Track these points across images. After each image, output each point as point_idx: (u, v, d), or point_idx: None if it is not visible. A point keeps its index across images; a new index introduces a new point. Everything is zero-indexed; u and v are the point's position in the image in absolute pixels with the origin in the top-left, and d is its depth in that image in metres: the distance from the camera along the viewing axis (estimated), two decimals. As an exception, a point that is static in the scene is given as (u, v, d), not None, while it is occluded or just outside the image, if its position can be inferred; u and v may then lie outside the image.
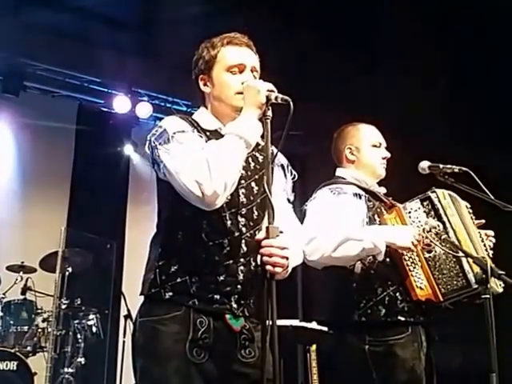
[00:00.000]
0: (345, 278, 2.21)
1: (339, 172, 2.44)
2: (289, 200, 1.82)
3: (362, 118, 2.49)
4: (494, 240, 2.26)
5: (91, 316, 4.20)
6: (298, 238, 1.75)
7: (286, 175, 1.81)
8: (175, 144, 1.55)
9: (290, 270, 1.64)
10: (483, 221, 2.28)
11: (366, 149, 2.38)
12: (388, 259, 2.17)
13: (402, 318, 2.13)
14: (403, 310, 2.14)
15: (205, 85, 1.71)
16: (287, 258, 1.49)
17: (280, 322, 3.07)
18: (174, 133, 1.57)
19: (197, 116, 1.73)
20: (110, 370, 4.60)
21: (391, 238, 2.13)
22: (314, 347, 4.16)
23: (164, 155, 1.54)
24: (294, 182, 1.84)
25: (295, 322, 2.97)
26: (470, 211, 2.29)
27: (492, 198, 2.03)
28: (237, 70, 1.67)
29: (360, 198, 2.26)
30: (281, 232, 1.50)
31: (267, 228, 1.48)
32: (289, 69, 4.41)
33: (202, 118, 1.71)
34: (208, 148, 1.53)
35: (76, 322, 4.14)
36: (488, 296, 1.74)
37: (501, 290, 2.13)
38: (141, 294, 1.62)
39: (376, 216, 2.25)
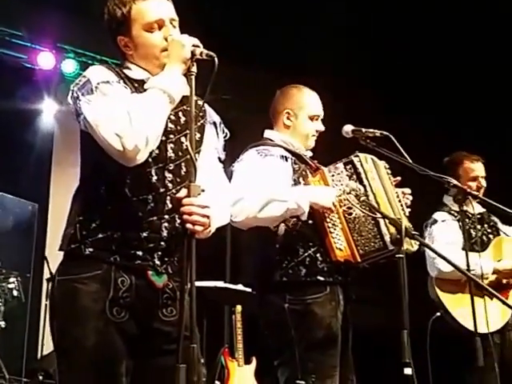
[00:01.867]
0: (268, 239, 2.22)
1: (267, 134, 2.42)
2: (220, 159, 1.78)
3: (294, 81, 2.46)
4: (410, 197, 2.31)
5: (12, 279, 4.05)
6: (225, 198, 1.73)
7: (217, 133, 1.77)
8: (98, 95, 1.48)
9: (213, 229, 1.62)
10: (399, 178, 2.32)
11: (304, 119, 2.37)
12: (310, 221, 2.20)
13: (322, 278, 2.17)
14: (323, 270, 2.18)
15: (125, 46, 1.63)
16: (208, 217, 1.46)
17: (205, 283, 3.09)
18: (98, 83, 1.49)
19: (124, 67, 1.64)
20: (31, 334, 4.47)
21: (314, 198, 2.15)
22: (239, 308, 4.21)
23: (85, 106, 1.47)
24: (225, 141, 1.81)
25: (220, 284, 2.97)
26: (389, 171, 2.33)
27: (410, 161, 2.07)
28: (156, 26, 1.59)
29: (286, 160, 2.26)
30: (203, 190, 1.47)
31: (188, 186, 1.44)
32: (220, 33, 4.31)
33: (130, 69, 1.63)
34: (130, 101, 1.47)
35: (-4, 285, 3.97)
36: (402, 255, 1.78)
37: (415, 248, 2.20)
38: (60, 250, 1.55)
39: (301, 179, 2.26)
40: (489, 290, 1.80)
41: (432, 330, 2.82)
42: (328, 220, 2.19)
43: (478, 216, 3.06)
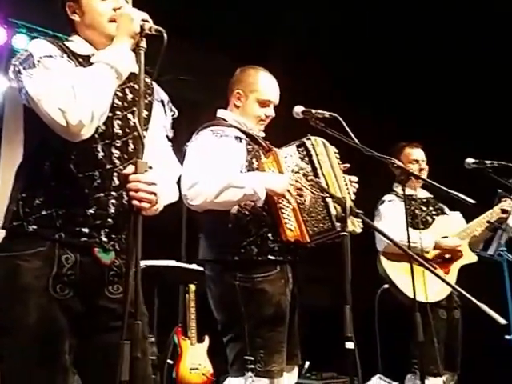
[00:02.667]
0: (220, 218, 2.22)
1: (220, 113, 2.41)
2: (168, 137, 1.77)
3: (254, 64, 2.45)
4: (356, 186, 2.37)
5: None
6: (172, 176, 1.71)
7: (165, 111, 1.75)
8: (40, 69, 1.43)
9: (160, 207, 1.61)
10: (348, 165, 2.37)
11: (253, 102, 2.37)
12: (263, 203, 2.21)
13: (272, 257, 2.20)
14: (273, 250, 2.21)
15: (73, 13, 1.59)
16: (155, 194, 1.45)
17: (157, 262, 3.08)
18: (41, 57, 1.45)
19: (68, 41, 1.60)
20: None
21: (270, 186, 2.17)
22: (192, 288, 4.21)
23: (27, 81, 1.42)
24: (174, 120, 1.79)
25: (172, 262, 2.96)
26: (338, 156, 2.37)
27: (357, 142, 2.11)
28: None
29: (241, 141, 2.26)
30: (150, 168, 1.45)
31: (136, 163, 1.42)
32: (179, 14, 4.24)
33: (74, 43, 1.59)
34: (75, 75, 1.43)
35: None
36: (346, 233, 1.82)
37: (359, 230, 2.26)
38: (2, 228, 1.50)
39: (254, 160, 2.27)
40: (425, 265, 1.85)
41: (380, 302, 2.94)
42: (280, 201, 2.21)
43: (424, 200, 3.25)
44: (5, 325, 1.45)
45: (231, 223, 2.20)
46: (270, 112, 2.40)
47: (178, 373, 4.07)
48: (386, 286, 3.03)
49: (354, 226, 2.21)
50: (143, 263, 2.88)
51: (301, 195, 2.22)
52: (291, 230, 2.21)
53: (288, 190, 2.18)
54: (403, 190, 2.21)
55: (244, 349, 2.13)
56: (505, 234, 2.37)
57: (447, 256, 3.05)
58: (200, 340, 4.20)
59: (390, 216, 3.07)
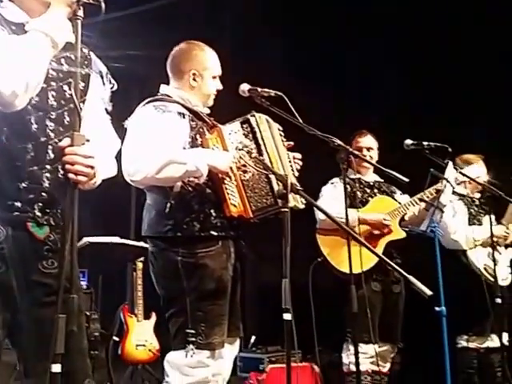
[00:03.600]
0: (164, 195, 2.21)
1: (164, 89, 2.38)
2: (107, 110, 1.73)
3: (198, 40, 2.43)
4: (300, 162, 2.40)
5: None
6: (111, 149, 1.69)
7: (104, 83, 1.71)
8: None
9: (98, 181, 1.58)
10: (292, 143, 2.40)
11: (208, 79, 2.37)
12: (206, 179, 2.21)
13: (215, 233, 2.21)
14: (216, 226, 2.22)
15: None
16: (92, 168, 1.42)
17: (101, 239, 3.04)
18: None
19: (0, 8, 1.52)
20: None
21: (213, 162, 2.17)
22: (140, 265, 4.18)
23: None
24: (112, 93, 1.75)
25: (116, 239, 2.92)
26: (282, 134, 2.39)
27: (300, 121, 2.13)
28: None
29: (184, 117, 2.25)
30: (87, 140, 1.42)
31: (72, 135, 1.39)
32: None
33: (7, 9, 1.51)
34: (7, 43, 1.37)
35: None
36: (286, 209, 1.85)
37: (302, 206, 2.30)
38: None
39: (198, 136, 2.26)
40: (354, 235, 1.93)
41: (316, 276, 3.04)
42: (224, 178, 2.22)
43: (371, 183, 3.40)
44: None
45: (174, 199, 2.19)
46: (220, 85, 2.41)
47: (123, 349, 4.06)
48: (320, 259, 3.17)
49: (297, 201, 2.25)
50: (86, 240, 2.83)
51: (245, 171, 2.24)
52: (235, 205, 2.23)
53: (231, 168, 2.19)
54: (344, 168, 2.25)
55: (186, 322, 2.15)
56: (437, 211, 2.48)
57: (376, 232, 3.19)
58: (147, 317, 4.20)
59: (328, 196, 3.26)
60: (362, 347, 2.98)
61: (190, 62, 2.36)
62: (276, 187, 2.20)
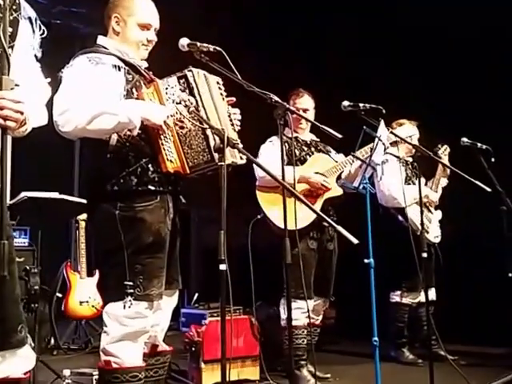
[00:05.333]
0: (99, 148, 2.19)
1: (101, 41, 2.33)
2: (36, 57, 1.68)
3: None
4: (239, 117, 2.40)
5: None
6: (41, 96, 1.66)
7: (33, 29, 1.65)
8: None
9: (29, 128, 1.56)
10: (234, 99, 2.39)
11: (133, 26, 2.30)
12: (143, 133, 2.20)
13: (152, 188, 2.22)
14: (153, 180, 2.22)
15: None
16: (22, 113, 1.40)
17: (40, 194, 2.98)
18: None
19: None
20: None
21: (147, 115, 2.15)
22: (82, 224, 4.15)
23: None
24: (42, 39, 1.70)
25: (55, 194, 2.88)
26: (222, 87, 2.38)
27: (239, 77, 2.13)
28: None
29: (119, 69, 2.21)
30: (17, 85, 1.40)
31: (0, 79, 1.36)
32: None
33: None
34: None
35: None
36: (222, 163, 1.87)
37: (242, 161, 2.31)
38: None
39: (134, 89, 2.23)
40: (294, 192, 1.97)
41: (256, 233, 3.13)
42: (160, 133, 2.21)
43: (308, 142, 3.48)
44: None
45: (110, 153, 2.18)
46: (152, 36, 2.35)
47: (66, 305, 4.08)
48: (259, 216, 3.25)
49: (235, 157, 2.27)
50: (24, 194, 2.77)
51: (182, 127, 2.23)
52: (171, 161, 2.23)
53: (165, 122, 2.18)
54: (280, 125, 2.28)
55: (124, 275, 2.17)
56: (369, 169, 2.57)
57: (314, 190, 3.29)
58: (90, 274, 4.20)
59: (266, 153, 3.32)
60: (298, 302, 3.10)
61: (115, 7, 2.32)
62: (212, 143, 2.20)
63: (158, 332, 2.38)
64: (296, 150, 3.35)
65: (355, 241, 1.66)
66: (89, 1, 4.61)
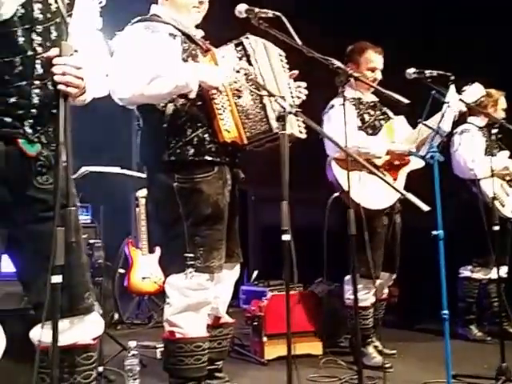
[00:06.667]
0: (156, 119, 2.21)
1: (155, 9, 2.34)
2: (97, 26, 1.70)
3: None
4: (305, 91, 2.33)
5: None
6: (102, 65, 1.68)
7: None
8: None
9: (89, 97, 1.58)
10: (296, 72, 2.33)
11: None
12: (199, 102, 2.20)
13: (209, 158, 2.22)
14: (210, 151, 2.22)
15: None
16: (82, 79, 1.41)
17: (99, 169, 3.05)
18: None
19: None
20: None
21: (203, 77, 2.13)
22: (142, 201, 4.23)
23: None
24: (101, 8, 1.71)
25: (116, 169, 2.94)
26: (283, 59, 2.34)
27: (299, 43, 2.07)
28: None
29: (175, 38, 2.20)
30: (76, 51, 1.41)
31: (60, 44, 1.38)
32: None
33: None
34: None
35: None
36: (284, 132, 1.83)
37: (303, 136, 2.28)
38: None
39: (190, 58, 2.23)
40: (372, 169, 1.90)
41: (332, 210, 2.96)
42: (217, 101, 2.20)
43: (371, 103, 3.23)
44: None
45: (166, 123, 2.19)
46: None
47: (129, 281, 4.19)
48: (337, 194, 3.01)
49: (294, 129, 2.22)
50: (85, 169, 2.85)
51: (239, 96, 2.21)
52: (228, 131, 2.21)
53: (224, 86, 2.15)
54: (342, 92, 2.21)
55: (184, 247, 2.19)
56: (437, 137, 2.46)
57: (396, 162, 3.10)
58: (151, 251, 4.30)
59: (339, 120, 2.81)
60: (365, 281, 3.00)
61: None
62: (271, 113, 2.17)
63: (220, 304, 2.40)
64: (365, 115, 3.13)
65: (426, 208, 1.59)
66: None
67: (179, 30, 2.25)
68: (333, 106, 3.07)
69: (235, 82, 2.19)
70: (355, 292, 2.12)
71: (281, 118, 1.88)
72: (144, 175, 2.42)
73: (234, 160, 2.32)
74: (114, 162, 3.28)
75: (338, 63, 2.09)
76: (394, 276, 3.33)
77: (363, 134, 3.03)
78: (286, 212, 1.84)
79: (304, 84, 2.34)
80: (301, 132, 2.27)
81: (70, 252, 1.37)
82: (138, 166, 2.45)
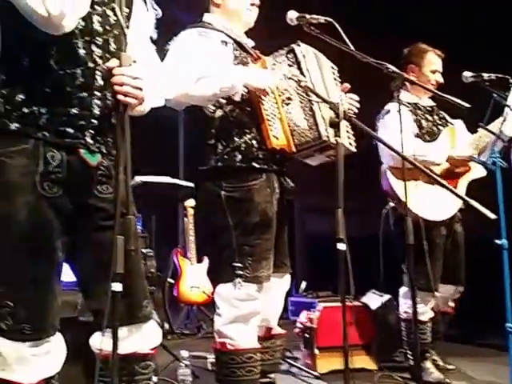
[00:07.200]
0: (204, 124, 2.23)
1: (207, 18, 2.38)
2: (152, 38, 1.74)
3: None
4: (357, 104, 2.28)
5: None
6: (158, 76, 1.71)
7: (147, 9, 1.72)
8: None
9: (147, 107, 1.62)
10: (348, 86, 2.29)
11: None
12: (248, 107, 2.21)
13: (257, 165, 2.23)
14: (258, 157, 2.23)
15: None
16: (141, 89, 1.45)
17: (151, 178, 3.11)
18: None
19: None
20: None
21: (249, 79, 2.15)
22: (191, 211, 4.28)
23: None
24: (157, 20, 1.76)
25: (167, 179, 3.00)
26: (336, 73, 2.34)
27: (352, 48, 2.06)
28: None
29: (227, 45, 2.24)
30: (134, 62, 1.45)
31: (119, 56, 1.42)
32: None
33: None
34: None
35: None
36: (339, 139, 1.81)
37: (353, 148, 2.25)
38: None
39: (241, 65, 2.25)
40: (434, 177, 1.85)
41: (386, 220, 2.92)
42: (266, 107, 2.20)
43: (429, 108, 3.15)
44: None
45: (214, 128, 2.21)
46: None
47: (178, 291, 4.25)
48: (392, 204, 2.97)
49: (347, 142, 2.18)
50: (138, 179, 2.92)
51: (288, 104, 2.21)
52: (277, 137, 2.21)
53: (272, 91, 2.16)
54: (397, 96, 2.18)
55: (232, 256, 2.20)
56: (499, 142, 2.38)
57: (457, 170, 3.00)
58: (199, 260, 4.34)
59: (396, 126, 2.68)
60: (423, 294, 2.88)
61: None
62: (320, 120, 2.16)
63: (271, 315, 2.40)
64: (422, 121, 3.06)
65: (492, 216, 1.55)
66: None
67: (231, 37, 2.28)
68: (388, 111, 2.99)
69: (285, 90, 2.20)
70: (414, 305, 2.07)
71: (334, 125, 1.87)
72: (192, 184, 2.45)
73: (281, 168, 2.32)
74: (161, 170, 3.33)
75: (392, 67, 2.07)
76: (461, 289, 3.17)
77: (419, 141, 2.97)
78: (341, 220, 1.81)
79: (356, 97, 2.30)
80: (351, 144, 2.25)
81: (129, 260, 1.38)
82: (186, 174, 2.50)
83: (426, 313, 3.00)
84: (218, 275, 2.29)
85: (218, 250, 2.29)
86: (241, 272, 2.19)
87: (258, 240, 2.21)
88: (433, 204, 2.83)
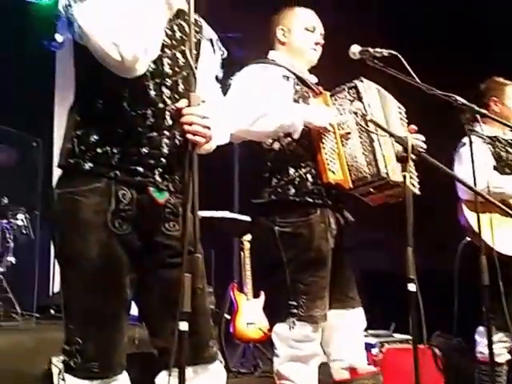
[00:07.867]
0: (260, 156, 2.27)
1: (271, 55, 2.45)
2: (217, 77, 1.80)
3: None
4: (423, 145, 2.21)
5: (20, 215, 4.15)
6: (224, 115, 1.76)
7: (214, 50, 1.78)
8: (91, 0, 1.43)
9: (213, 145, 1.66)
10: (415, 127, 2.24)
11: (298, 31, 2.38)
12: (306, 140, 2.22)
13: (310, 200, 2.21)
14: (312, 192, 2.22)
15: None
16: (209, 128, 1.49)
17: (210, 213, 3.16)
18: None
19: None
20: (42, 271, 4.60)
21: (310, 118, 2.18)
22: (247, 245, 4.29)
23: (78, 13, 1.43)
24: (223, 60, 1.82)
25: (226, 213, 3.03)
26: (402, 113, 2.33)
27: (418, 81, 2.05)
28: None
29: (288, 79, 2.27)
30: (203, 101, 1.50)
31: (188, 96, 1.47)
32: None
33: None
34: (127, 6, 1.44)
35: (4, 221, 4.08)
36: (406, 173, 1.79)
37: (416, 190, 2.22)
38: (58, 166, 1.58)
39: (301, 100, 2.28)
40: (506, 210, 1.80)
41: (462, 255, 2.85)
42: (324, 141, 2.21)
43: (510, 141, 3.10)
44: (68, 258, 1.53)
45: (270, 161, 2.24)
46: (319, 38, 2.39)
47: (234, 327, 4.23)
48: (468, 239, 2.90)
49: (412, 184, 2.14)
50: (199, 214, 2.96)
51: (347, 138, 2.20)
52: (333, 172, 2.21)
53: (332, 126, 2.16)
54: (469, 130, 2.14)
55: (286, 294, 2.18)
56: None
57: None
58: (256, 295, 4.32)
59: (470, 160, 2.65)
60: (499, 335, 2.79)
61: (279, 21, 2.42)
62: (379, 156, 2.14)
63: (352, 354, 2.30)
64: (502, 153, 3.00)
65: None
66: (243, 26, 4.87)
67: (292, 72, 2.32)
68: (464, 144, 2.92)
69: (345, 124, 2.20)
70: (490, 346, 1.98)
71: (402, 159, 1.85)
72: (248, 218, 2.46)
73: (337, 204, 2.29)
74: (216, 204, 3.37)
75: (462, 99, 2.04)
76: None
77: (496, 173, 2.90)
78: (411, 259, 1.78)
79: (422, 137, 2.26)
80: (413, 185, 2.21)
81: (195, 298, 1.40)
82: (241, 208, 2.53)
83: (501, 354, 2.87)
84: (273, 313, 2.29)
85: (273, 287, 2.30)
86: (295, 311, 2.16)
87: (312, 277, 2.18)
88: (510, 238, 2.74)
